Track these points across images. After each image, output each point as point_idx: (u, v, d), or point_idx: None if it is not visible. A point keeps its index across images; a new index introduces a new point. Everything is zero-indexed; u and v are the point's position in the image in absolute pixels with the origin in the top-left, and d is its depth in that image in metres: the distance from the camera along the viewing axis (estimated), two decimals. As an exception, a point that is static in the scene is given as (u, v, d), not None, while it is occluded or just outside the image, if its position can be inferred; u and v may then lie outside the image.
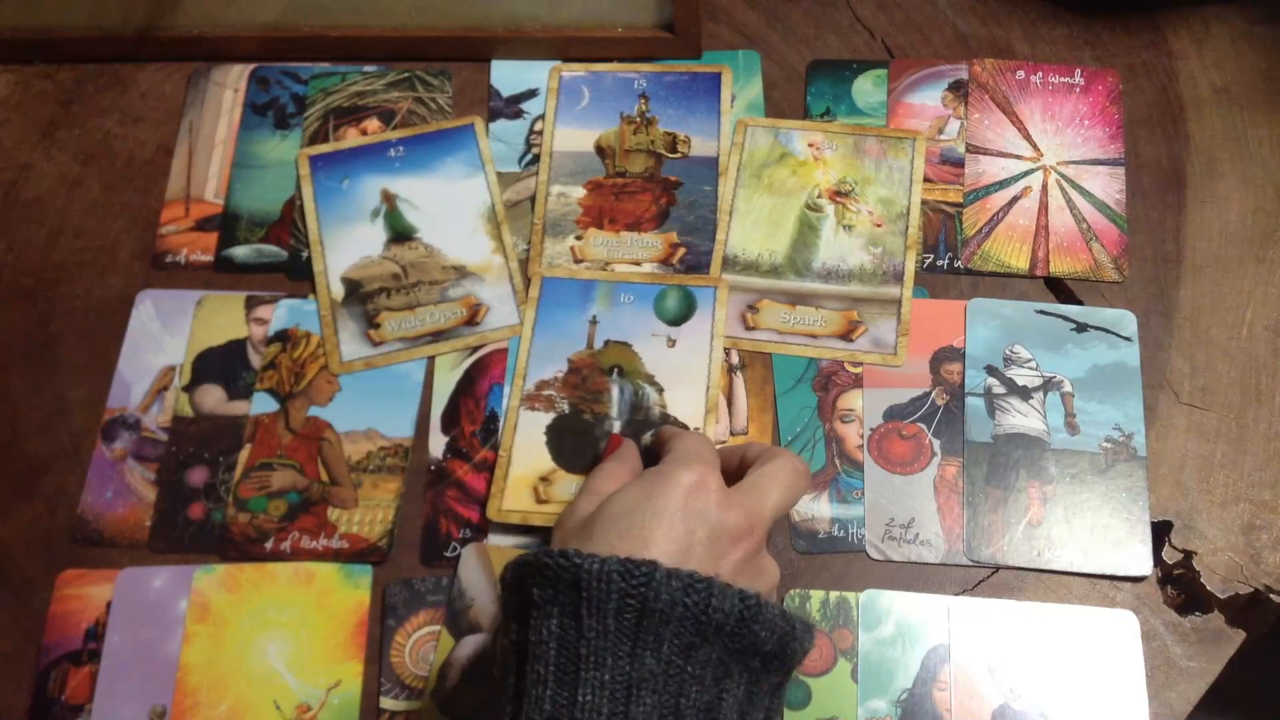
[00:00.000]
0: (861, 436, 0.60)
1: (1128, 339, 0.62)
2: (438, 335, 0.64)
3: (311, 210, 0.67)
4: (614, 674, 0.40)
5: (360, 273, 0.65)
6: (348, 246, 0.66)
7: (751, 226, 0.66)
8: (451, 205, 0.67)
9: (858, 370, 0.62)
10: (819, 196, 0.66)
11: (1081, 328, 0.62)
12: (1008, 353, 0.62)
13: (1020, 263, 0.65)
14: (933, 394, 0.61)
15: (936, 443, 0.60)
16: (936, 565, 0.57)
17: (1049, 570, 0.57)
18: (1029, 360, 0.61)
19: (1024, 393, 0.61)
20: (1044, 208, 0.66)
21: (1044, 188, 0.67)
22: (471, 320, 0.64)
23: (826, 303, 0.64)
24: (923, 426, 0.60)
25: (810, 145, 0.68)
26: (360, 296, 0.65)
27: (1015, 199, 0.66)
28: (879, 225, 0.65)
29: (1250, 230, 0.65)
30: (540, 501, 0.59)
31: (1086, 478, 0.58)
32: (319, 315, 0.64)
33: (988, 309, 0.63)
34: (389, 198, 0.68)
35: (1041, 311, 0.63)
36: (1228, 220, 0.66)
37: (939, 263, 0.65)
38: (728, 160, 0.68)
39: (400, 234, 0.67)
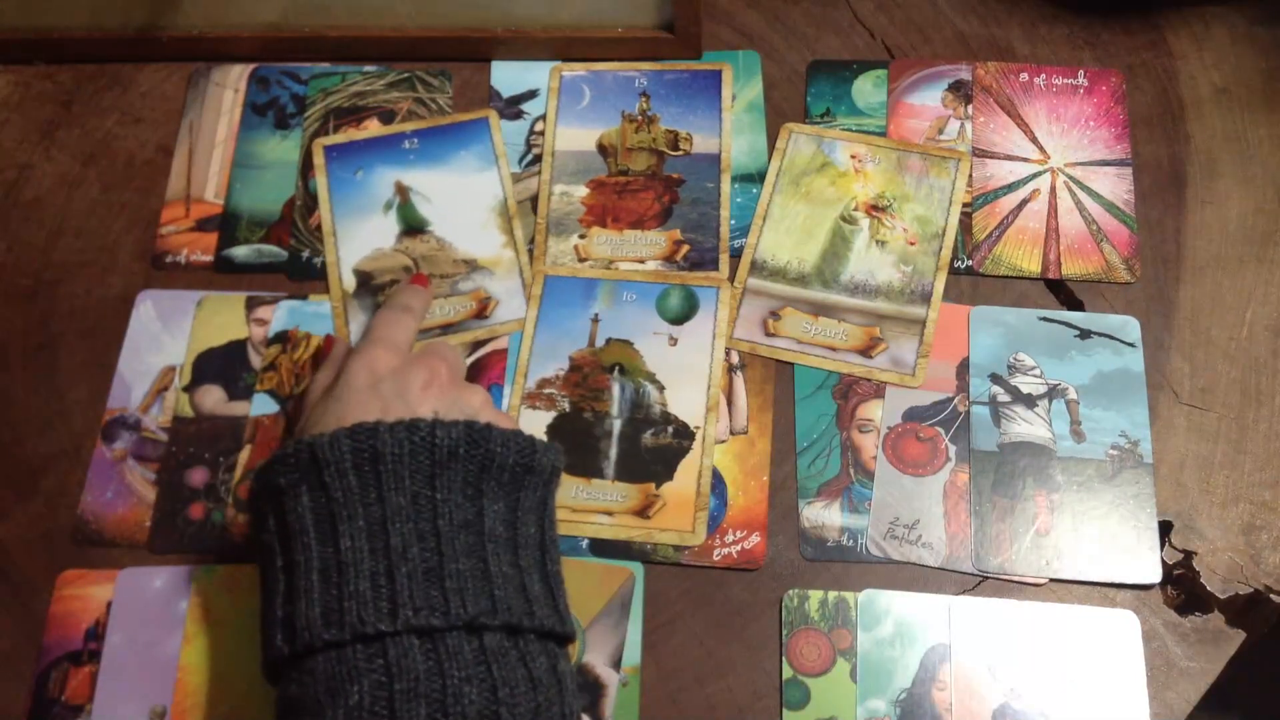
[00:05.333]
0: (878, 447, 0.60)
1: (1131, 345, 0.62)
2: (447, 328, 0.64)
3: (325, 201, 0.67)
4: (367, 518, 0.44)
5: (372, 265, 0.65)
6: (360, 238, 0.66)
7: (784, 233, 0.65)
8: (464, 199, 0.67)
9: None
10: (855, 209, 0.66)
11: (1085, 334, 0.62)
12: (1012, 360, 0.61)
13: (1032, 266, 0.64)
14: (955, 400, 0.61)
15: (953, 448, 0.59)
16: (934, 569, 0.57)
17: (1058, 580, 0.56)
18: (1033, 368, 0.61)
19: (1029, 400, 0.60)
20: (1053, 210, 0.66)
21: (1052, 190, 0.66)
22: (481, 314, 0.64)
23: (850, 316, 0.63)
24: (940, 431, 0.60)
25: (853, 157, 0.67)
26: (372, 289, 0.65)
27: (1024, 202, 0.66)
28: (912, 244, 0.65)
29: (1250, 230, 0.65)
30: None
31: (1093, 485, 0.58)
32: (331, 307, 0.64)
33: (991, 316, 0.63)
34: (402, 190, 0.68)
35: (1045, 319, 0.63)
36: (1228, 220, 0.66)
37: (956, 264, 0.65)
38: (729, 157, 0.68)
39: (412, 227, 0.67)
